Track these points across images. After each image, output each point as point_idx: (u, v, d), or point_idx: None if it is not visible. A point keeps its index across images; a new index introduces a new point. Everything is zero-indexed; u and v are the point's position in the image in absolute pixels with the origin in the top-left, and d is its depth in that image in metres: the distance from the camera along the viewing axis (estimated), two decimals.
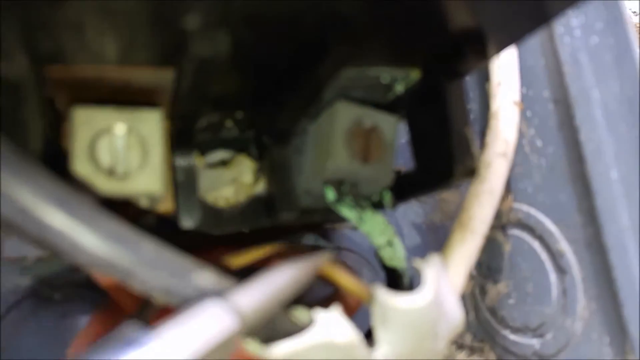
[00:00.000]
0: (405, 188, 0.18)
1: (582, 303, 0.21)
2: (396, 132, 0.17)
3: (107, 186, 0.14)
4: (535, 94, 0.21)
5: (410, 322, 0.15)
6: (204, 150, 0.19)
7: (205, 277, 0.12)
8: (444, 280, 0.16)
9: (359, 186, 0.18)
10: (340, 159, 0.17)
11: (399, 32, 0.15)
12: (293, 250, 0.18)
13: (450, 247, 0.18)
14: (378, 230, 0.19)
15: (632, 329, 0.18)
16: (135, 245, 0.11)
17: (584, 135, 0.19)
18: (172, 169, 0.17)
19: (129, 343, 0.09)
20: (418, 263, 0.16)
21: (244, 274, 0.16)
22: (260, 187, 0.19)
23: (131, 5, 0.11)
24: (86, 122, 0.14)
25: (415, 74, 0.17)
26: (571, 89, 0.19)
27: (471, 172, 0.16)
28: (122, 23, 0.12)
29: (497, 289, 0.24)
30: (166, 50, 0.13)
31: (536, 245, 0.22)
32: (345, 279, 0.16)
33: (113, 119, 0.14)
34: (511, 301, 0.24)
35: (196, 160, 0.18)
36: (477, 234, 0.18)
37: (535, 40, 0.21)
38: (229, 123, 0.19)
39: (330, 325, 0.14)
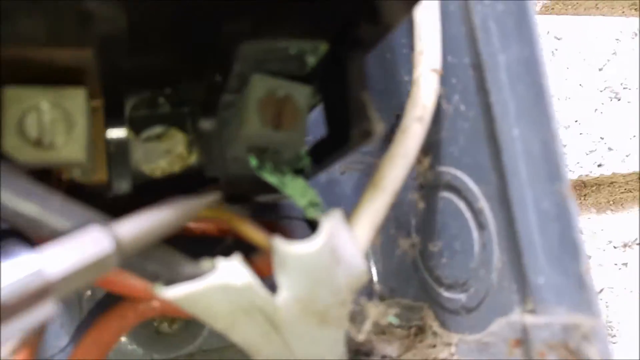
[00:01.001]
0: (320, 154, 0.20)
1: (497, 255, 0.22)
2: (309, 100, 0.19)
3: (35, 155, 0.16)
4: (458, 61, 0.23)
5: (304, 266, 0.17)
6: (142, 124, 0.21)
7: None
8: (342, 231, 0.18)
9: (280, 154, 0.20)
10: (253, 127, 0.18)
11: (300, 7, 0.16)
12: (227, 216, 0.20)
13: (360, 204, 0.20)
14: (299, 193, 0.20)
15: (530, 276, 0.20)
16: (43, 199, 0.14)
17: (493, 97, 0.21)
18: (106, 142, 0.19)
19: (7, 254, 0.11)
20: (319, 216, 0.18)
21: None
22: (194, 158, 0.21)
23: None
24: (15, 100, 0.16)
25: (324, 47, 0.18)
26: (483, 54, 0.21)
27: (367, 135, 0.18)
28: (33, 4, 0.14)
29: (432, 250, 0.26)
30: (77, 31, 0.15)
31: (462, 205, 0.24)
32: (252, 232, 0.17)
33: (40, 97, 0.16)
34: (444, 260, 0.26)
35: (129, 134, 0.20)
36: (387, 192, 0.20)
37: (456, 9, 0.22)
38: (161, 100, 0.21)
39: (228, 270, 0.16)
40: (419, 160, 0.24)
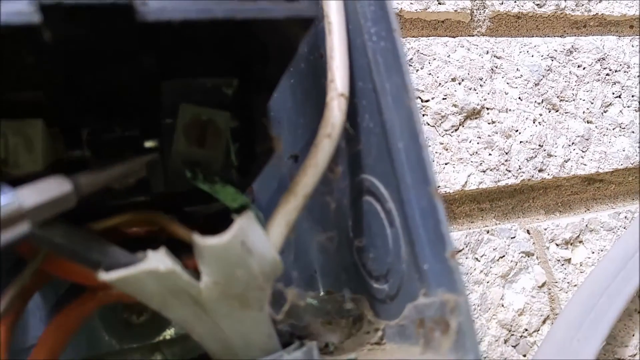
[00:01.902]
0: (242, 168, 0.24)
1: (404, 248, 0.26)
2: (228, 124, 0.24)
3: (3, 171, 0.21)
4: (365, 86, 0.27)
5: (217, 255, 0.21)
6: (100, 147, 0.26)
7: None
8: (253, 227, 0.22)
9: (210, 167, 0.24)
10: (181, 145, 0.23)
11: (205, 51, 0.21)
12: (159, 218, 0.24)
13: (277, 207, 0.24)
14: (230, 198, 0.25)
15: (421, 264, 0.24)
16: None
17: (385, 117, 0.25)
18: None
19: None
20: (236, 217, 0.22)
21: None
22: (144, 173, 0.26)
23: None
24: None
25: (236, 81, 0.23)
26: (376, 82, 0.25)
27: (270, 151, 0.22)
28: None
29: (362, 247, 0.30)
30: (28, 77, 0.20)
31: (378, 207, 0.28)
32: (177, 229, 0.22)
33: (6, 127, 0.21)
34: (371, 255, 0.30)
35: (88, 155, 0.25)
36: (298, 196, 0.24)
37: (360, 42, 0.27)
38: (116, 127, 0.25)
39: (155, 259, 0.20)
40: (331, 169, 0.28)
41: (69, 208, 0.18)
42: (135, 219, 0.23)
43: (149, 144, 0.25)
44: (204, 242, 0.21)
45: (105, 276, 0.20)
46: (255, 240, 0.22)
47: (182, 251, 0.23)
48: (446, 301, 0.22)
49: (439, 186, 0.42)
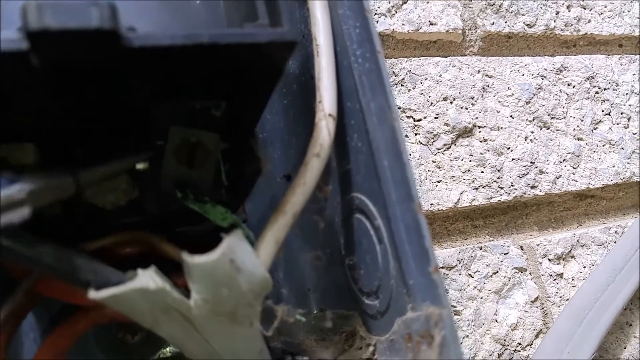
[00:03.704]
0: (232, 188, 0.25)
1: (392, 264, 0.27)
2: (218, 145, 0.24)
3: None
4: (353, 106, 0.28)
5: (205, 273, 0.21)
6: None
7: None
8: (242, 246, 0.22)
9: (200, 187, 0.25)
10: (171, 166, 0.24)
11: (191, 75, 0.22)
12: (149, 238, 0.25)
13: (266, 225, 0.24)
14: (220, 217, 0.25)
15: (407, 279, 0.24)
16: None
17: (371, 136, 0.26)
18: None
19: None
20: (224, 235, 0.23)
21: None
22: (137, 193, 0.26)
23: None
24: None
25: (224, 104, 0.24)
26: (362, 102, 0.26)
27: (258, 171, 0.23)
28: None
29: (353, 264, 0.31)
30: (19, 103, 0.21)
31: (368, 224, 0.29)
32: (167, 248, 0.22)
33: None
34: (362, 272, 0.30)
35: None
36: (287, 214, 0.24)
37: (347, 63, 0.27)
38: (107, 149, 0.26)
39: (145, 277, 0.21)
40: (320, 189, 0.29)
41: (67, 196, 0.19)
42: (125, 238, 0.23)
43: (140, 165, 0.26)
44: (193, 260, 0.21)
45: (95, 295, 0.20)
46: (243, 258, 0.22)
47: (173, 270, 0.24)
48: (430, 315, 0.22)
49: (431, 204, 0.43)
